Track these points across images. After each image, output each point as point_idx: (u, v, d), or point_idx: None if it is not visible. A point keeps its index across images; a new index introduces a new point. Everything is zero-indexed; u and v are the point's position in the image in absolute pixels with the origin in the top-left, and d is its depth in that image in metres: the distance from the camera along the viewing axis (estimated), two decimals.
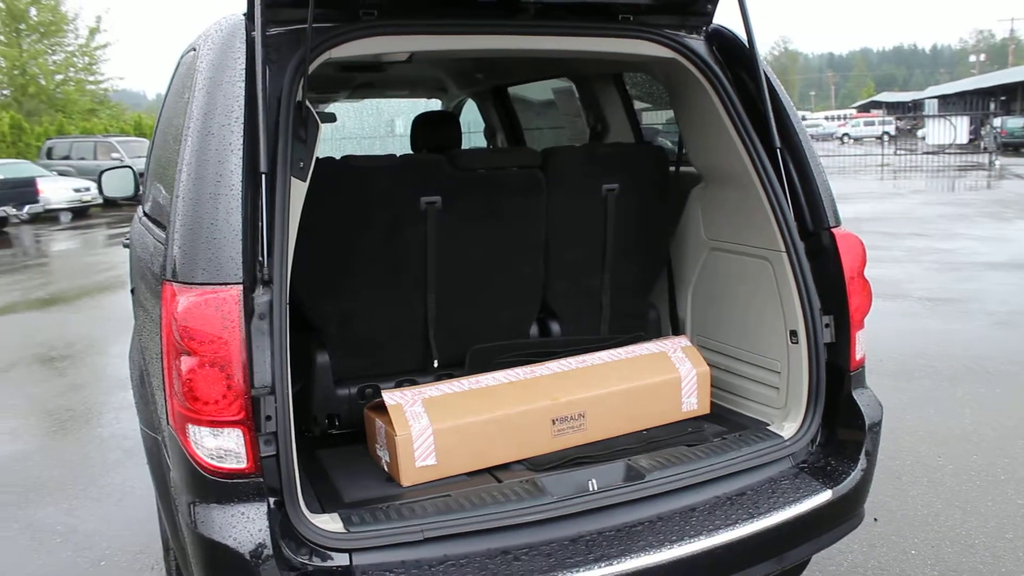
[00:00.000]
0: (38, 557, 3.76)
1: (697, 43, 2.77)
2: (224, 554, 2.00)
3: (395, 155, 2.96)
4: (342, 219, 2.78)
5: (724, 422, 2.95)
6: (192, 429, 2.03)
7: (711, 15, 2.77)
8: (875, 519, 3.75)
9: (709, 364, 3.04)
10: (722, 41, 2.81)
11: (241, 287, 1.99)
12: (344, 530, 2.13)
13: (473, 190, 2.96)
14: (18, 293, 10.79)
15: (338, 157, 2.91)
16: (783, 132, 2.68)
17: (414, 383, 2.91)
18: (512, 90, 5.27)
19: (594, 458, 2.60)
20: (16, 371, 7.07)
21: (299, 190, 2.27)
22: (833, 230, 2.64)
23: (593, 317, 3.30)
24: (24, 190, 18.91)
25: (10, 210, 18.43)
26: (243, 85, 2.16)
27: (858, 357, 2.67)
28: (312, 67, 2.33)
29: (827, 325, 2.63)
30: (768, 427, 2.73)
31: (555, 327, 3.25)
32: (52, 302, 10.24)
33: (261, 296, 2.05)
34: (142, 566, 3.65)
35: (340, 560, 2.09)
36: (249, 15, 2.27)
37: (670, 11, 2.72)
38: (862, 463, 2.56)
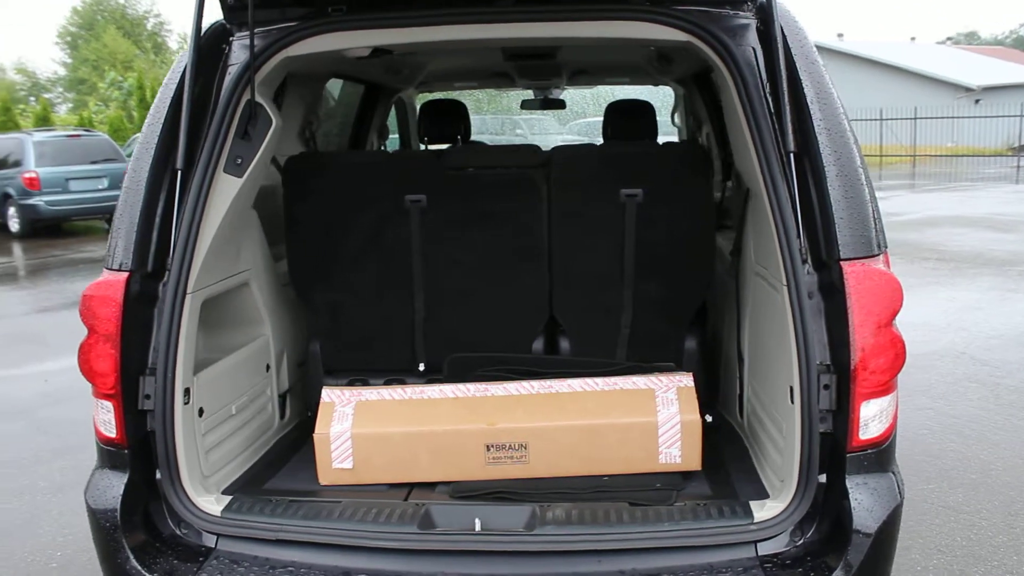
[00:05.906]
0: None
1: (729, 24, 2.32)
2: (91, 514, 2.18)
3: (384, 151, 2.90)
4: (326, 213, 2.80)
5: (718, 485, 2.48)
6: (94, 401, 2.25)
7: None
8: None
9: (751, 413, 2.60)
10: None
11: (128, 274, 2.17)
12: (217, 514, 2.20)
13: (460, 190, 2.82)
14: None
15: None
16: (803, 132, 2.14)
17: (403, 383, 2.86)
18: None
19: (520, 496, 2.37)
20: None
21: (229, 185, 2.35)
22: (848, 262, 2.01)
23: (609, 338, 2.95)
24: None
25: None
26: (174, 88, 2.31)
27: (865, 435, 2.07)
28: (269, 67, 2.38)
29: (826, 386, 2.06)
30: (747, 503, 2.25)
31: (565, 344, 2.99)
32: None
33: (162, 284, 2.23)
34: None
35: (207, 541, 2.18)
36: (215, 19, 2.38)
37: None
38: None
